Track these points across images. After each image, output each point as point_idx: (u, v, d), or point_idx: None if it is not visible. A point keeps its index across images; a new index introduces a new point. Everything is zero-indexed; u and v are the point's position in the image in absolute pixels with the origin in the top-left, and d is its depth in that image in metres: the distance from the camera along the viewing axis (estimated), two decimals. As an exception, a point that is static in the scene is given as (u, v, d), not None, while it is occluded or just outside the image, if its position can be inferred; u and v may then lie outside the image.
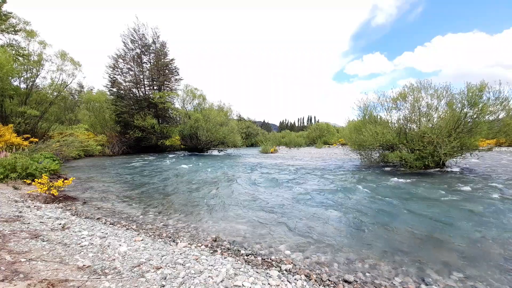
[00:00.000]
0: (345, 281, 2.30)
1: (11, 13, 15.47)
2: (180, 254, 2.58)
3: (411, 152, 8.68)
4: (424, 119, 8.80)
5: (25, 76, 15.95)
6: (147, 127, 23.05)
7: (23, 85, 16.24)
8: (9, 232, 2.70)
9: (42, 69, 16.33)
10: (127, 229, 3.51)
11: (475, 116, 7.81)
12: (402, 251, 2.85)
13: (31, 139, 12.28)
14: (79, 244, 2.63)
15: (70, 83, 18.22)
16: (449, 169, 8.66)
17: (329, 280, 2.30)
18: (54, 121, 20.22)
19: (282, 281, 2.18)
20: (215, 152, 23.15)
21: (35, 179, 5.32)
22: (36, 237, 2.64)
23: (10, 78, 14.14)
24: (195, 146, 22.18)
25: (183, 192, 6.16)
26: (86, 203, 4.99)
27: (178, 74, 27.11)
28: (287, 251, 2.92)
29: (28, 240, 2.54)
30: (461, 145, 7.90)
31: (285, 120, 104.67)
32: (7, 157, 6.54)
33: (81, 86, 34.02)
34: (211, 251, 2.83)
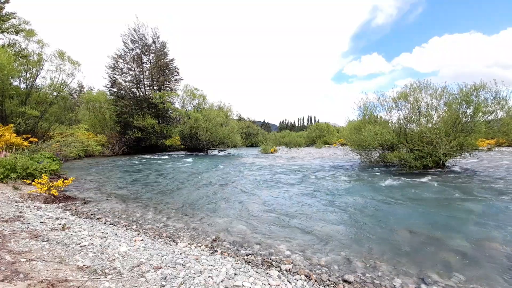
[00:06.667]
0: (345, 281, 2.30)
1: (14, 13, 15.36)
2: (180, 254, 2.58)
3: (411, 152, 8.68)
4: (424, 119, 8.80)
5: (25, 76, 15.93)
6: (147, 127, 23.04)
7: (23, 85, 16.23)
8: (9, 232, 2.70)
9: (41, 69, 16.31)
10: (127, 229, 3.51)
11: (473, 115, 7.82)
12: (402, 251, 2.85)
13: (31, 139, 12.26)
14: (79, 244, 2.62)
15: (70, 83, 18.19)
16: (449, 169, 8.66)
17: (329, 280, 2.30)
18: (54, 121, 20.18)
19: (282, 281, 2.18)
20: (215, 152, 23.14)
21: (35, 179, 5.32)
22: (36, 237, 2.64)
23: (10, 78, 14.12)
24: (195, 146, 22.18)
25: (183, 192, 6.16)
26: (86, 203, 4.99)
27: (178, 74, 27.15)
28: (287, 251, 2.92)
29: (28, 240, 2.54)
30: (460, 145, 7.91)
31: (285, 120, 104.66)
32: (7, 157, 6.53)
33: (81, 86, 33.92)
34: (211, 251, 2.83)
